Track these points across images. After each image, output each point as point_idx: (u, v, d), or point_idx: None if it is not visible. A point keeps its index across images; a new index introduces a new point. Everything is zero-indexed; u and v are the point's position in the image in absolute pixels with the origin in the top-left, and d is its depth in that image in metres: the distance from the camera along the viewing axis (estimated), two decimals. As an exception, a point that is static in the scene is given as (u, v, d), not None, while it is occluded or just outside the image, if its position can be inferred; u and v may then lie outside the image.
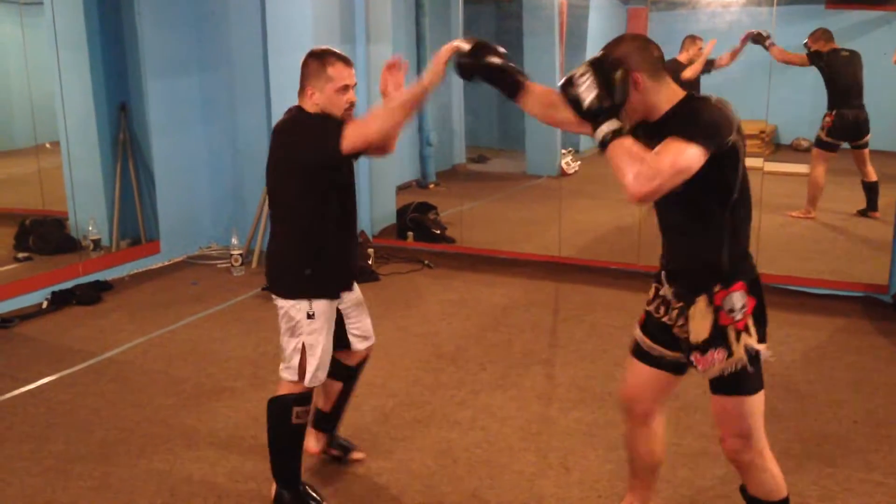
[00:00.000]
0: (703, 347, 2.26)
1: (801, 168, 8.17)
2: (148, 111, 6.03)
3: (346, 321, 3.02)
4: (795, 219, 6.76)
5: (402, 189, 7.17)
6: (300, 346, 2.81)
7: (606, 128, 2.07)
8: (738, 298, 2.25)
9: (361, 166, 6.52)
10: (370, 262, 5.99)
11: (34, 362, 4.35)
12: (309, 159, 2.71)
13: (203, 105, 6.41)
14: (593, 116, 2.09)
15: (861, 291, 5.08)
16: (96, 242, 5.90)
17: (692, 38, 7.01)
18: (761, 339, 2.28)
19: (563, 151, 8.74)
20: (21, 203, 6.13)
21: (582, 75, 2.10)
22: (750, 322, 2.25)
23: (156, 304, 5.32)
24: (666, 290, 2.39)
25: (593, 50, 9.36)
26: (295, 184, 2.76)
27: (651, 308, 2.47)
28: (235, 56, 6.26)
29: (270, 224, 2.98)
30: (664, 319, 2.40)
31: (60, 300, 5.27)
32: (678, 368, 2.47)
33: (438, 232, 6.57)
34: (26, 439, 3.51)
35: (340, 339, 3.01)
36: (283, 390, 2.88)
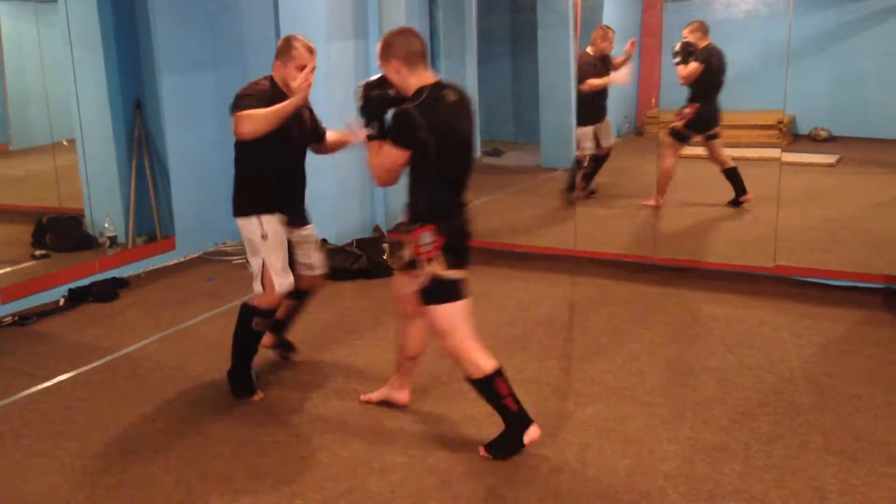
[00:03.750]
0: (409, 267, 3.15)
1: (820, 158, 8.10)
2: (162, 108, 6.05)
3: (296, 250, 3.83)
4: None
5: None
6: (260, 264, 3.62)
7: (368, 130, 3.17)
8: (426, 236, 3.05)
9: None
10: (385, 257, 5.98)
11: (51, 359, 4.38)
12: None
13: (217, 101, 6.41)
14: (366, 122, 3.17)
15: (881, 283, 5.01)
16: (112, 239, 5.93)
17: (604, 30, 7.00)
18: (453, 268, 3.08)
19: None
20: (38, 200, 6.16)
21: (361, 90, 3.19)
22: (438, 254, 3.05)
23: (172, 301, 5.33)
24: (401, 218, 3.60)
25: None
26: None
27: (392, 230, 3.50)
28: (248, 52, 6.26)
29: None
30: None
31: (77, 297, 5.30)
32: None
33: (453, 226, 6.54)
34: (43, 436, 3.52)
35: (290, 263, 3.77)
36: (255, 301, 3.70)
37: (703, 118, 6.54)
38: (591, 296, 5.19)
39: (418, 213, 3.09)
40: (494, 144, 9.71)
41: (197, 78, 6.27)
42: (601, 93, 7.08)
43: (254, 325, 3.72)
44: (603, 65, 6.99)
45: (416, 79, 3.04)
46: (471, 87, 9.02)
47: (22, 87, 6.16)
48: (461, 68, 8.99)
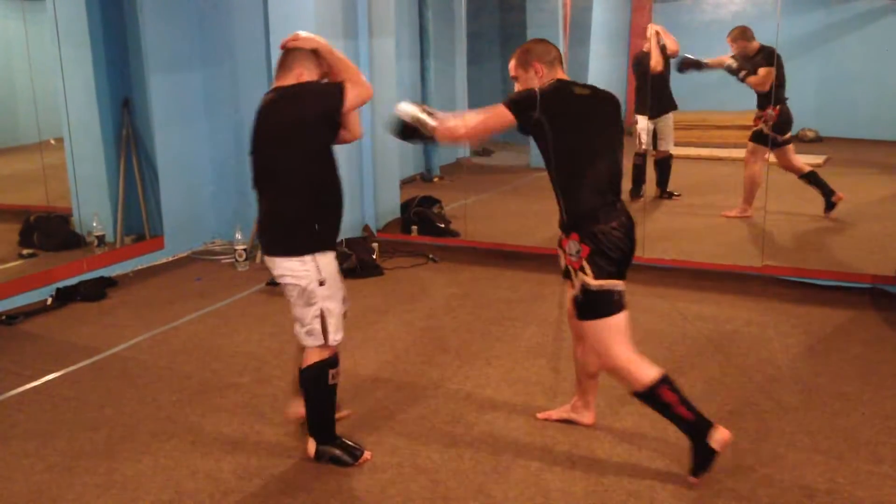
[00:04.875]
0: (566, 277, 3.08)
1: (807, 159, 8.14)
2: (151, 107, 6.03)
3: None
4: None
5: (406, 183, 7.17)
6: (318, 312, 3.01)
7: (433, 119, 3.06)
8: (573, 245, 2.93)
9: (365, 161, 6.51)
10: (374, 257, 5.98)
11: (39, 359, 4.36)
12: (320, 116, 2.99)
13: (206, 100, 6.41)
14: (423, 125, 3.04)
15: (868, 283, 5.04)
16: (100, 239, 5.91)
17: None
18: (605, 277, 2.90)
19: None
20: (25, 199, 6.14)
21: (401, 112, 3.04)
22: (585, 264, 2.90)
23: (160, 300, 5.32)
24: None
25: (597, 43, 9.37)
26: (306, 144, 3.00)
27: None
28: (238, 51, 6.25)
29: (263, 196, 3.11)
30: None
31: (65, 297, 5.28)
32: None
33: (443, 226, 6.55)
34: (31, 436, 3.51)
35: None
36: (314, 357, 3.07)
37: (785, 119, 6.35)
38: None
39: (565, 221, 3.00)
40: (483, 144, 9.72)
41: (186, 77, 6.26)
42: (658, 84, 6.97)
43: (331, 379, 3.10)
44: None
45: (554, 77, 3.06)
46: (459, 87, 9.02)
47: (9, 85, 6.13)
48: (450, 68, 9.00)
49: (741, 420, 3.50)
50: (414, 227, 6.55)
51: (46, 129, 5.87)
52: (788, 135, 6.40)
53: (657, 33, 6.83)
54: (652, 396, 2.95)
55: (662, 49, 6.89)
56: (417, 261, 6.09)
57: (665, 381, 2.95)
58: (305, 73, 3.06)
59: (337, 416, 3.34)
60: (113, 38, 5.97)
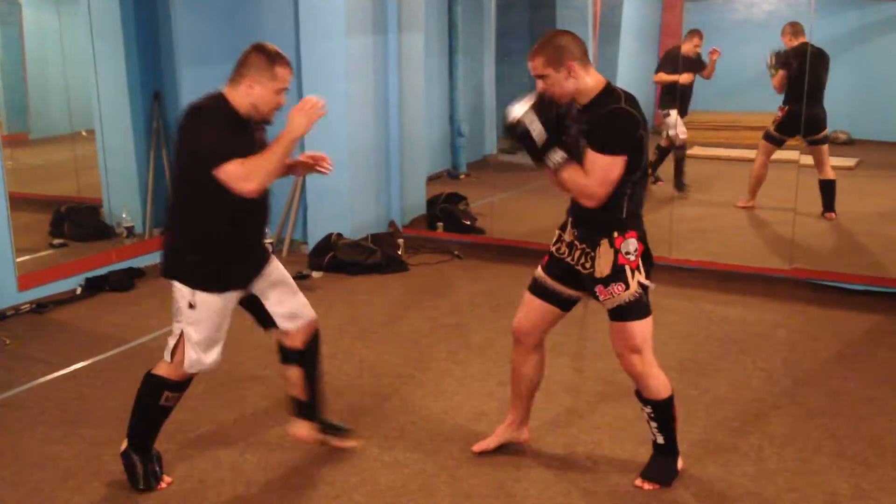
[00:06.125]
0: (606, 281, 2.80)
1: (839, 161, 8.04)
2: (181, 100, 6.06)
3: (265, 302, 3.02)
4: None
5: (432, 179, 7.17)
6: (179, 332, 2.89)
7: (559, 157, 2.74)
8: (632, 244, 2.78)
9: (392, 156, 6.52)
10: (400, 252, 5.99)
11: (67, 347, 4.41)
12: (198, 164, 2.70)
13: (235, 94, 6.44)
14: (544, 151, 2.75)
15: (898, 288, 4.98)
16: (130, 230, 5.97)
17: (691, 35, 7.03)
18: (648, 276, 2.84)
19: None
20: (57, 190, 6.21)
21: (528, 119, 2.74)
22: (640, 262, 2.80)
23: (187, 292, 5.35)
24: (569, 235, 2.93)
25: (627, 41, 9.31)
26: (191, 174, 2.79)
27: (554, 249, 3.01)
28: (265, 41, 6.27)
29: (170, 202, 3.00)
30: (567, 259, 2.94)
31: (94, 286, 5.34)
32: (567, 305, 3.06)
33: (468, 223, 6.55)
34: (59, 423, 3.56)
35: (265, 319, 3.06)
36: (162, 371, 2.96)
37: (791, 121, 6.38)
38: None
39: (615, 220, 2.78)
40: (511, 141, 9.70)
41: (216, 70, 6.20)
42: (690, 85, 7.15)
43: (163, 400, 2.95)
44: (688, 64, 7.07)
45: (592, 78, 2.76)
46: (487, 84, 9.01)
47: (42, 77, 6.20)
48: (479, 65, 8.98)
49: (766, 424, 3.47)
50: (439, 224, 6.55)
51: (78, 120, 5.95)
52: (818, 135, 6.40)
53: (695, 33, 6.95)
54: (668, 407, 2.95)
55: (701, 63, 6.97)
56: (442, 257, 6.10)
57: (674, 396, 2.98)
58: (256, 87, 2.76)
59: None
60: (145, 31, 6.02)
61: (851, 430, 3.40)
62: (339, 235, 5.90)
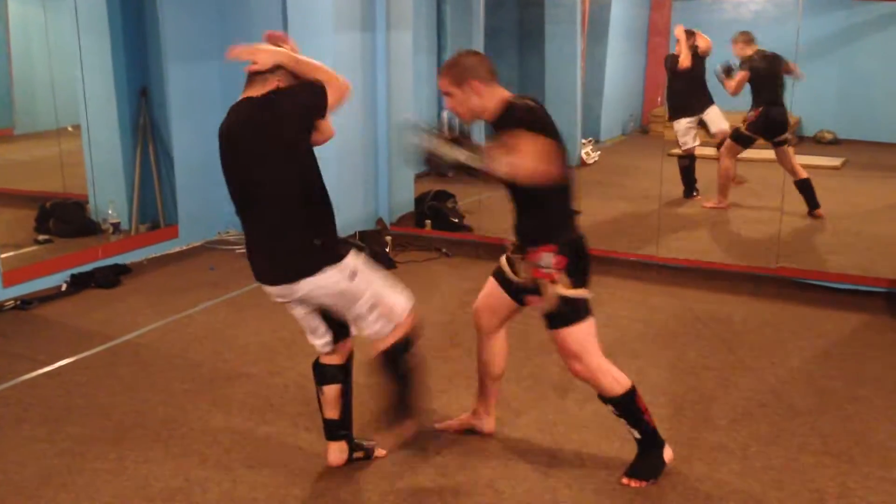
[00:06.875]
0: (529, 291, 2.95)
1: (826, 161, 8.10)
2: (168, 96, 6.04)
3: (308, 324, 3.00)
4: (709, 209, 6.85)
5: (420, 177, 7.15)
6: (370, 304, 2.83)
7: (474, 162, 2.65)
8: (545, 258, 2.82)
9: (380, 153, 6.51)
10: (387, 250, 5.98)
11: (52, 344, 4.38)
12: (300, 115, 2.76)
13: (223, 90, 6.40)
14: (466, 167, 2.66)
15: (885, 287, 5.00)
16: (116, 226, 5.94)
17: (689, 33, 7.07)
18: (578, 287, 2.86)
19: (583, 141, 8.70)
20: (42, 186, 6.17)
21: (436, 144, 2.69)
22: (559, 275, 2.83)
23: (173, 289, 5.33)
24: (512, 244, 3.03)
25: (615, 40, 9.33)
26: (295, 156, 2.79)
27: (509, 252, 3.08)
28: (255, 42, 6.25)
29: (250, 218, 2.90)
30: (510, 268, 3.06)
31: (79, 283, 5.30)
32: (522, 300, 3.07)
33: (456, 220, 6.54)
34: (43, 421, 3.53)
35: (341, 327, 3.00)
36: (390, 340, 2.90)
37: (766, 121, 6.46)
38: (593, 293, 5.18)
39: (535, 232, 2.88)
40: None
41: (203, 67, 6.27)
42: (693, 84, 7.09)
43: (412, 360, 2.96)
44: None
45: (498, 95, 2.84)
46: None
47: (28, 73, 6.16)
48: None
49: (753, 422, 3.48)
50: (428, 222, 6.55)
51: (64, 116, 5.91)
52: (784, 136, 6.48)
53: (685, 32, 6.91)
54: (627, 402, 2.95)
55: (694, 49, 6.94)
56: (430, 255, 6.09)
57: (635, 388, 2.97)
58: (283, 80, 2.80)
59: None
60: (131, 26, 5.99)
61: (837, 429, 3.42)
62: (327, 233, 5.87)
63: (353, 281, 2.81)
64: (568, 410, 3.61)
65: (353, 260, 2.86)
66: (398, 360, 2.93)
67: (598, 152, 8.72)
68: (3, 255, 5.02)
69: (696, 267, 5.50)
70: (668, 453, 3.04)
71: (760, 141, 6.58)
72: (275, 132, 2.73)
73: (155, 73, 6.07)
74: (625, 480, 3.01)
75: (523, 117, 2.74)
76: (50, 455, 3.25)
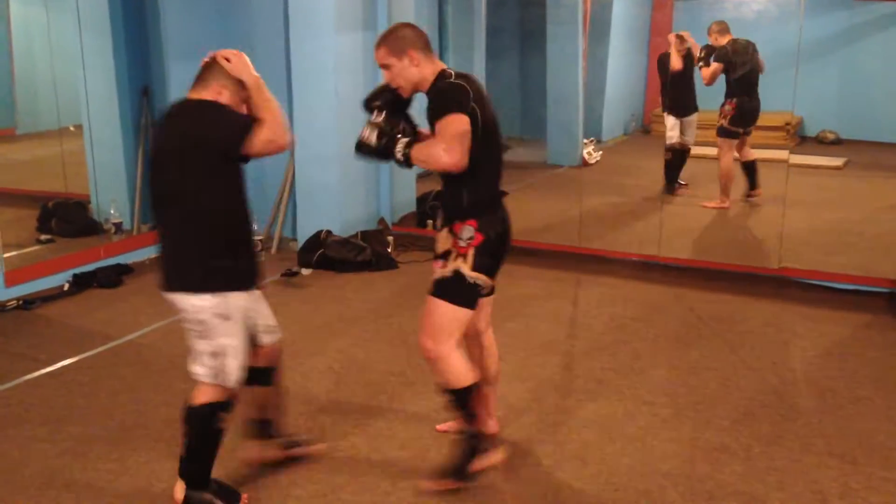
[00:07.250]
0: (439, 258, 2.98)
1: (828, 160, 8.09)
2: (170, 95, 6.02)
3: (257, 316, 2.89)
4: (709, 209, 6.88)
5: (422, 177, 7.14)
6: (213, 349, 2.68)
7: (401, 149, 2.80)
8: (467, 231, 2.86)
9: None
10: (389, 250, 5.98)
11: (54, 344, 4.39)
12: (226, 147, 2.64)
13: (225, 90, 6.41)
14: (385, 153, 2.84)
15: (887, 287, 5.00)
16: (118, 226, 5.93)
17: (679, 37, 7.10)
18: (480, 271, 2.87)
19: (585, 141, 8.68)
20: (44, 185, 6.17)
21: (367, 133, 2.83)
22: (471, 252, 2.85)
23: (175, 289, 5.33)
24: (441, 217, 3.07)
25: (617, 38, 9.31)
26: (205, 171, 2.66)
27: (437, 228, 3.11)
28: (257, 41, 6.25)
29: (161, 222, 2.79)
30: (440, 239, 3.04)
31: (82, 283, 5.31)
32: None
33: (458, 220, 6.53)
34: (45, 420, 3.53)
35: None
36: (207, 396, 2.73)
37: (743, 112, 6.55)
38: (594, 293, 5.19)
39: (460, 208, 2.89)
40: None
41: (205, 66, 6.26)
42: (682, 86, 7.15)
43: (220, 423, 2.77)
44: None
45: (432, 66, 2.88)
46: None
47: (30, 72, 6.16)
48: (469, 63, 8.97)
49: (755, 422, 3.48)
50: (429, 222, 6.54)
51: (66, 115, 5.90)
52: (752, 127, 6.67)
53: (677, 37, 6.94)
54: (465, 397, 2.90)
55: (688, 52, 6.96)
56: (432, 255, 6.07)
57: (477, 387, 2.93)
58: (226, 92, 2.71)
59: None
60: (133, 26, 5.99)
61: (840, 429, 3.42)
62: (329, 232, 5.88)
63: (223, 322, 2.68)
64: (569, 411, 3.60)
65: (236, 304, 2.70)
66: (208, 418, 2.75)
67: (601, 152, 8.71)
68: (6, 255, 5.02)
69: (697, 267, 5.50)
70: (494, 457, 3.00)
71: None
72: (184, 145, 2.66)
73: (157, 72, 6.07)
74: (427, 484, 2.97)
75: (442, 87, 2.81)
76: (51, 455, 3.25)
